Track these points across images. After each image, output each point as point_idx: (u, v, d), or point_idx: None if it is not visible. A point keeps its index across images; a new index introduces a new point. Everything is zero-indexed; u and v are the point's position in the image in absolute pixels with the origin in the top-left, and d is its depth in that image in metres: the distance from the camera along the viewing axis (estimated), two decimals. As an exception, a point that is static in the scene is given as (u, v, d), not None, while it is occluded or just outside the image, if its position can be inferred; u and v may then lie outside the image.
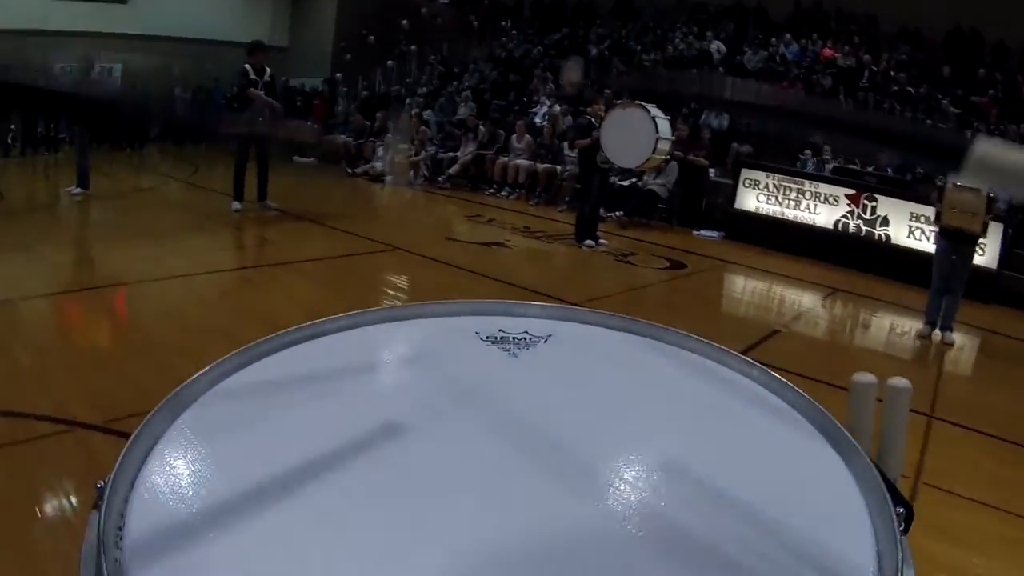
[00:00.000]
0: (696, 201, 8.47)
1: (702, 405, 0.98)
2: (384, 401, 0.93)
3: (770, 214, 7.82)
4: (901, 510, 0.70)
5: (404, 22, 15.21)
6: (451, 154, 10.07)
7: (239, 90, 7.05)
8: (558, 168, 8.95)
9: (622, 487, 0.74)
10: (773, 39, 11.44)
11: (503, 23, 15.84)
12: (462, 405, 0.92)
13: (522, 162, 9.27)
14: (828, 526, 0.70)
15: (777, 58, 11.00)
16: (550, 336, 1.15)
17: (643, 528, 0.68)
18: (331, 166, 11.50)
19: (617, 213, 7.95)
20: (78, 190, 7.86)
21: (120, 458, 0.71)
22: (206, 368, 0.91)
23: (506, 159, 9.48)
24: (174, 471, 0.73)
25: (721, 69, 10.74)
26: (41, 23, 13.99)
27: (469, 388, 0.97)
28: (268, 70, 7.00)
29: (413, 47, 14.97)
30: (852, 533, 0.69)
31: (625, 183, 8.16)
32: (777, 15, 12.34)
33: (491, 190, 9.53)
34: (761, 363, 1.04)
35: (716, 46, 11.47)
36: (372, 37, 14.88)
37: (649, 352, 1.14)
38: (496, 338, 1.12)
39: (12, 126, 13.04)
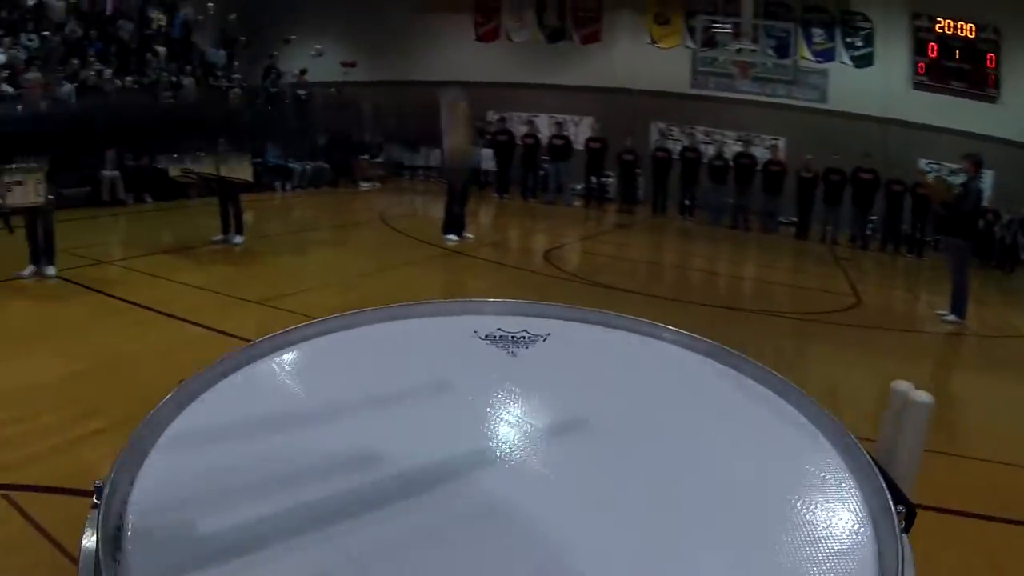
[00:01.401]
0: None
1: (700, 401, 1.01)
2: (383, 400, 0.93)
3: None
4: (902, 508, 0.71)
5: None
6: None
7: None
8: None
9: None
10: None
11: None
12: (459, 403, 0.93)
13: None
14: (828, 525, 0.71)
15: None
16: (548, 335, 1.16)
17: (645, 516, 0.72)
18: None
19: None
20: (951, 316, 6.35)
21: (120, 456, 0.70)
22: (215, 362, 0.94)
23: None
24: (174, 469, 0.73)
25: None
26: (905, 113, 12.93)
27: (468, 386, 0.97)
28: None
29: None
30: (852, 532, 0.70)
31: None
32: None
33: None
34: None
35: None
36: None
37: (646, 350, 1.16)
38: (495, 337, 1.13)
39: (874, 217, 12.14)
